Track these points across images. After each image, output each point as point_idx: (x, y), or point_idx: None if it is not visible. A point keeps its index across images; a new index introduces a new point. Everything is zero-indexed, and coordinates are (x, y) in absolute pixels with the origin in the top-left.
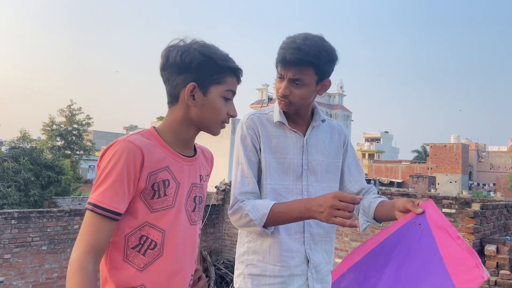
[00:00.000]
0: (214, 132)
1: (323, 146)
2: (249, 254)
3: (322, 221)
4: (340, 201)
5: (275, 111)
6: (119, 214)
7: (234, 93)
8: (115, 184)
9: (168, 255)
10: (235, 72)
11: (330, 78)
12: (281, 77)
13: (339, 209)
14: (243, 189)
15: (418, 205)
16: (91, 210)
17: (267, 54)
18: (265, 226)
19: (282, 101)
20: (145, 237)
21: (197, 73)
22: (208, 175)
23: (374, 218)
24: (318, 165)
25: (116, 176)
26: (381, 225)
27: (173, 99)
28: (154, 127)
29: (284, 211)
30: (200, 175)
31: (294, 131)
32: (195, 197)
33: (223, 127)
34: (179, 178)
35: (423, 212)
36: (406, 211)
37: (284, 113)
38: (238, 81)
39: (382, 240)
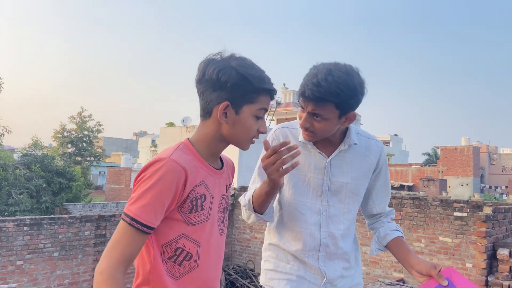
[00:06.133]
0: (244, 148)
1: (350, 168)
2: (266, 251)
3: (276, 179)
4: (268, 157)
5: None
6: (153, 229)
7: (266, 110)
8: (155, 201)
9: (203, 266)
10: (269, 92)
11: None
12: (303, 108)
13: (274, 164)
14: (249, 196)
15: (439, 271)
16: (129, 224)
17: (277, 57)
18: (256, 211)
19: (305, 132)
20: (180, 249)
21: (232, 92)
22: (231, 184)
23: (385, 246)
24: (342, 187)
25: (157, 192)
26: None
27: (206, 113)
28: (189, 139)
29: (257, 191)
30: (226, 185)
31: (318, 151)
32: (224, 208)
33: (253, 142)
34: (213, 191)
35: (447, 285)
36: (428, 275)
37: None
38: (271, 98)
39: None
